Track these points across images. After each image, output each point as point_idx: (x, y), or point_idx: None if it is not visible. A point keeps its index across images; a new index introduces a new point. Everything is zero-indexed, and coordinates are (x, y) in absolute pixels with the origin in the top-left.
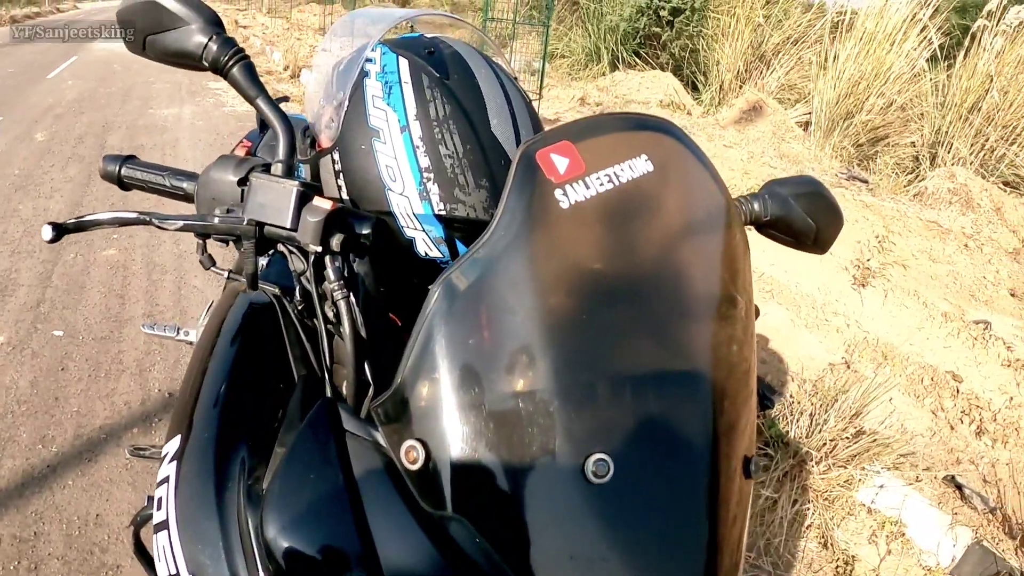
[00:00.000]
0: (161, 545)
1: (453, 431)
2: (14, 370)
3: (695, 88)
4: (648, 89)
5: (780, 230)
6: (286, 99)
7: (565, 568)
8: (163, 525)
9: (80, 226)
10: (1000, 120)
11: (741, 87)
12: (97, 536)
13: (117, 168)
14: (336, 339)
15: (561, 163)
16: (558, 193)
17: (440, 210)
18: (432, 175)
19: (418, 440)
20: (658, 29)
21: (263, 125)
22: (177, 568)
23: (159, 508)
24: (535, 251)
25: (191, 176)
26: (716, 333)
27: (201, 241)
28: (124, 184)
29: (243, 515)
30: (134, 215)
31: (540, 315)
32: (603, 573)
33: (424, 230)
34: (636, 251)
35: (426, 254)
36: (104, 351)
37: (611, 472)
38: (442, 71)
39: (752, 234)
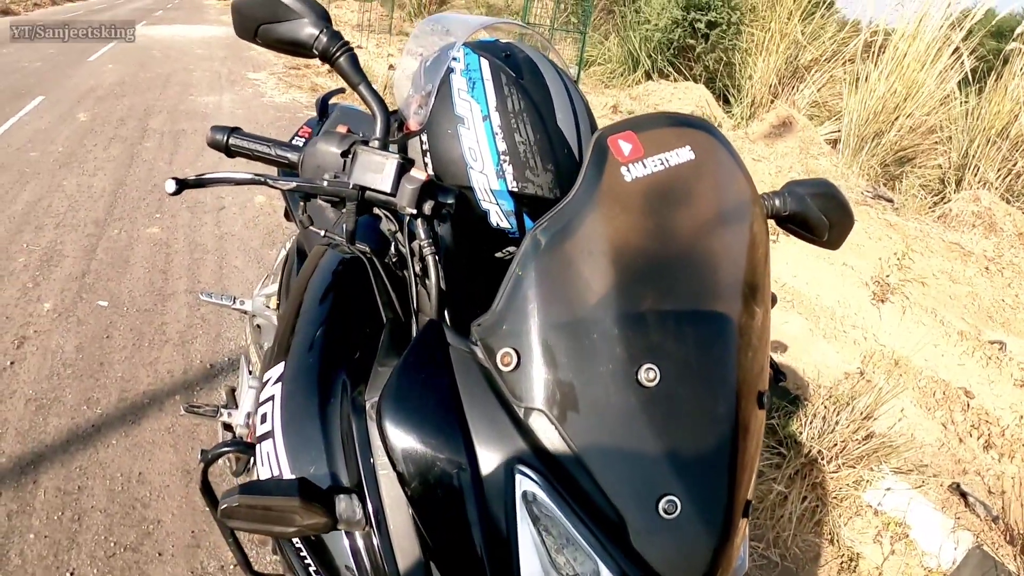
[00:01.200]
0: (265, 452)
1: (539, 341)
2: (60, 335)
3: (726, 101)
4: (680, 100)
5: (797, 224)
6: (341, 91)
7: (618, 449)
8: (268, 435)
9: (200, 182)
10: None
11: (772, 102)
12: (139, 492)
13: (225, 137)
14: (420, 289)
15: (626, 147)
16: (623, 170)
17: (513, 187)
18: (508, 158)
19: (512, 348)
20: (692, 41)
21: (322, 113)
22: (280, 470)
23: (264, 422)
24: (605, 211)
25: (295, 148)
26: (741, 291)
27: (303, 203)
28: (231, 152)
29: (346, 422)
30: (250, 175)
31: (607, 259)
32: (649, 459)
33: (498, 204)
34: (681, 219)
35: (497, 225)
36: (148, 322)
37: (657, 378)
38: (517, 72)
39: (776, 249)
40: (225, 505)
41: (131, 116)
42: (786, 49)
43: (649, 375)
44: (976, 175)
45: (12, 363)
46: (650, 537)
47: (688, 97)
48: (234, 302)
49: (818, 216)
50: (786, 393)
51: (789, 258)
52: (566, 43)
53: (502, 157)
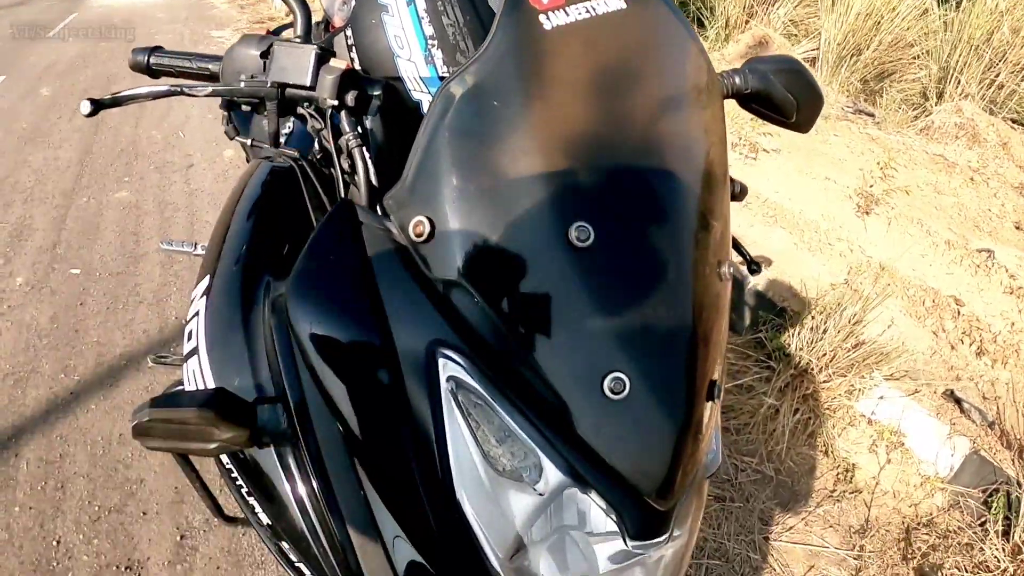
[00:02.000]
0: (191, 370)
1: (454, 206)
2: (34, 308)
3: (701, 24)
4: None
5: (761, 103)
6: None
7: (554, 323)
8: (193, 352)
9: (116, 101)
10: (1012, 56)
11: (747, 22)
12: (121, 454)
13: (146, 58)
14: (351, 188)
15: None
16: (541, 18)
17: (444, 73)
18: (436, 42)
19: (424, 216)
20: None
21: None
22: (205, 385)
23: (189, 339)
24: (522, 63)
25: (216, 58)
26: (688, 151)
27: (226, 112)
28: (153, 71)
29: (268, 327)
30: (166, 87)
31: (527, 113)
32: (589, 332)
33: (429, 92)
34: (613, 72)
35: None
36: (121, 284)
37: (591, 238)
38: None
39: (756, 165)
40: (136, 421)
41: (94, 87)
42: None
43: (582, 234)
44: (958, 87)
45: None
46: (597, 423)
47: None
48: (196, 248)
49: (783, 94)
50: (772, 306)
51: (770, 173)
52: None
53: (429, 42)
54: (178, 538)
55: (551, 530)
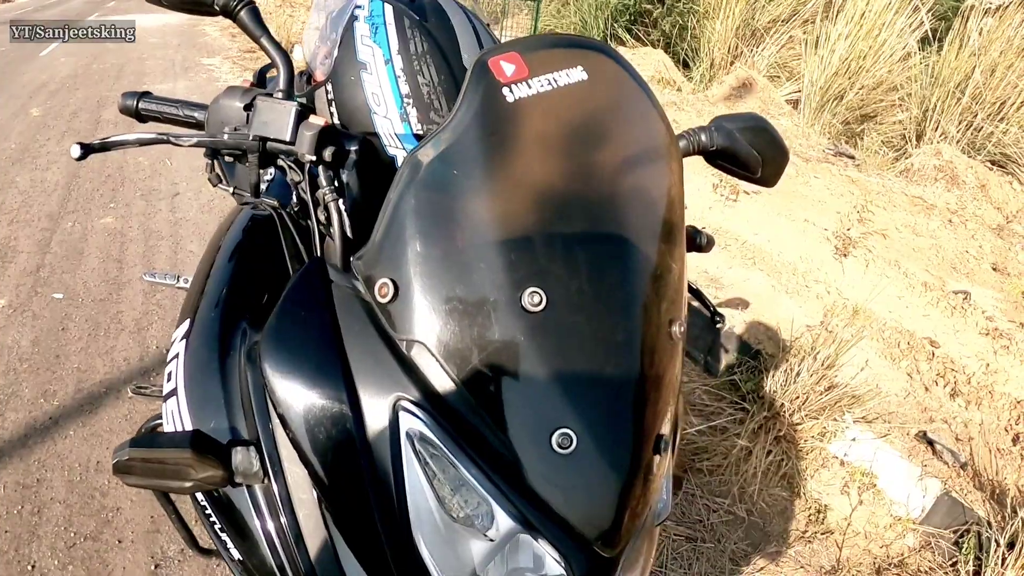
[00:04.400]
0: (170, 411)
1: (417, 270)
2: (15, 331)
3: (687, 66)
4: (639, 66)
5: (727, 160)
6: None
7: (507, 381)
8: (172, 393)
9: (105, 146)
10: (988, 98)
11: (732, 64)
12: (98, 481)
13: (135, 103)
14: (326, 239)
15: (508, 68)
16: (505, 90)
17: (418, 130)
18: (411, 100)
19: (389, 278)
20: (649, 6)
21: (260, 77)
22: (183, 426)
23: (169, 380)
24: (485, 134)
25: (202, 107)
26: (642, 216)
27: (210, 160)
28: (141, 116)
29: (244, 373)
30: (153, 135)
31: (488, 183)
32: (540, 391)
33: (404, 148)
34: (573, 142)
35: None
36: (103, 311)
37: (543, 302)
38: (421, 15)
39: (736, 207)
40: (116, 459)
41: (84, 109)
42: (743, 11)
43: (534, 299)
44: (937, 129)
45: None
46: (546, 475)
47: (647, 62)
48: (178, 280)
49: (748, 151)
50: (747, 348)
51: (750, 216)
52: (522, 14)
53: (405, 100)
54: (152, 567)
55: (504, 573)
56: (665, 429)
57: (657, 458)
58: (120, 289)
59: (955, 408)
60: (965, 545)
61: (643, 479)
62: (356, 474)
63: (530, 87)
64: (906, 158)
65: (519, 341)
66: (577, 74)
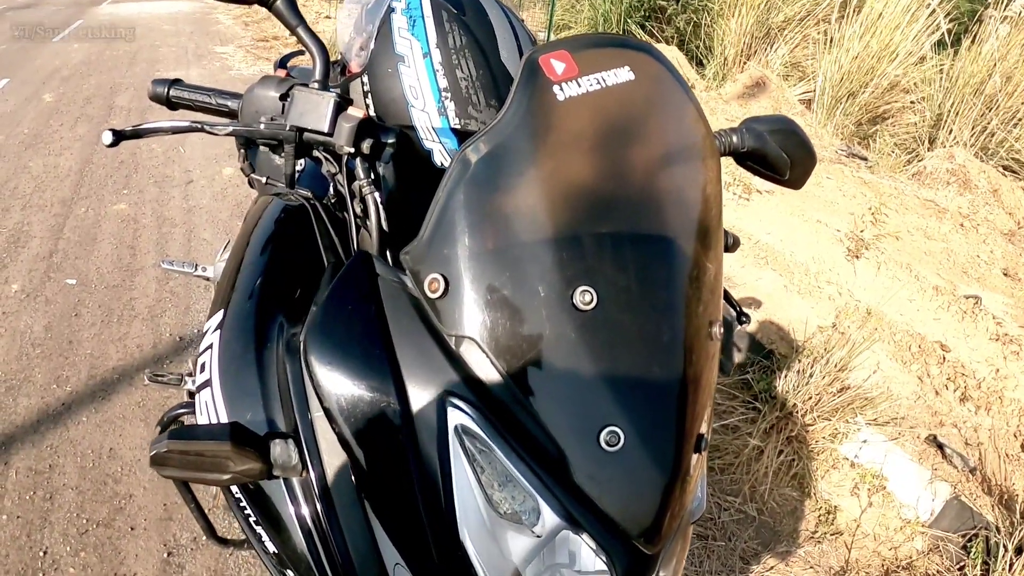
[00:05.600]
0: (204, 401)
1: (467, 266)
2: (28, 315)
3: (700, 64)
4: None
5: (756, 161)
6: (302, 52)
7: (556, 379)
8: (206, 384)
9: (138, 133)
10: (1003, 105)
11: (745, 63)
12: (111, 468)
13: (166, 90)
14: (362, 231)
15: (559, 66)
16: (555, 89)
17: (455, 124)
18: (449, 94)
19: (439, 274)
20: (663, 3)
21: (283, 65)
22: (217, 418)
23: (202, 371)
24: (536, 132)
25: (235, 95)
26: (686, 216)
27: (243, 151)
28: (172, 104)
29: (281, 365)
30: (187, 123)
31: (538, 180)
32: (588, 389)
33: (440, 142)
34: (620, 141)
35: (441, 164)
36: (116, 298)
37: (594, 301)
38: (459, 9)
39: (749, 206)
40: (154, 452)
41: (97, 95)
42: (758, 9)
43: (585, 298)
44: (950, 133)
45: None
46: (592, 472)
47: None
48: (196, 269)
49: (778, 153)
50: (760, 348)
51: (763, 215)
52: (536, 8)
53: (443, 94)
54: (165, 555)
55: (544, 568)
56: (704, 428)
57: (696, 457)
58: (133, 276)
59: (965, 412)
60: (973, 549)
61: (684, 478)
62: (402, 467)
63: (580, 86)
64: (919, 161)
65: (570, 339)
66: (624, 74)
